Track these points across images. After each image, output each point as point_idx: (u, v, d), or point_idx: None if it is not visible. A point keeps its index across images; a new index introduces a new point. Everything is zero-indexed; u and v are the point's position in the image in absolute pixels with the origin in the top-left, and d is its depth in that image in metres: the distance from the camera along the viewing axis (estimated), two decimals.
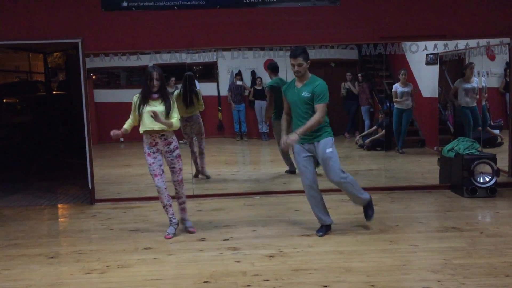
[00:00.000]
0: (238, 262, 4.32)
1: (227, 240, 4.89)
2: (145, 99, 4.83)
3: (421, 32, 6.57)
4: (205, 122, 7.78)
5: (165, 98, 4.85)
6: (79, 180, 7.53)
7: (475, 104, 7.51)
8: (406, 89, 7.92)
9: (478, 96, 7.49)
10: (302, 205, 6.12)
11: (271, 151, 9.13)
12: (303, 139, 4.79)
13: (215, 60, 7.58)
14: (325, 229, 4.97)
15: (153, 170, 4.88)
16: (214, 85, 8.40)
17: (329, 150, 4.76)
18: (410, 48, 6.89)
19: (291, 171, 7.34)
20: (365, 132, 8.49)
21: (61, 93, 14.51)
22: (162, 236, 5.06)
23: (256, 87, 8.56)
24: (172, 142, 4.89)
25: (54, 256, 4.62)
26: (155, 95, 4.84)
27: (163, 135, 4.84)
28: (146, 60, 6.85)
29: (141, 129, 4.85)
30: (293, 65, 4.76)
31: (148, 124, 4.78)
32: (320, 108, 4.70)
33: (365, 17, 6.56)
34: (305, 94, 4.73)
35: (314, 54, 7.87)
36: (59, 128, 12.36)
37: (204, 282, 3.92)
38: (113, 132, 4.88)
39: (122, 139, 8.41)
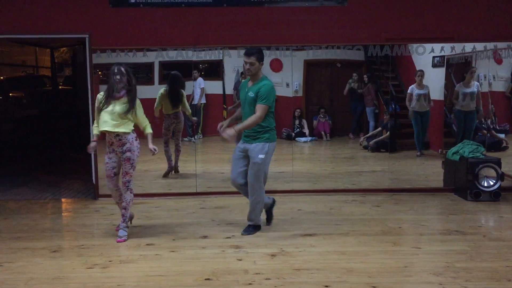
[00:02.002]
0: (240, 260, 4.33)
1: (230, 238, 4.90)
2: (109, 98, 4.72)
3: (428, 34, 6.56)
4: (210, 120, 7.79)
5: (130, 98, 4.72)
6: (83, 175, 7.56)
7: (471, 109, 7.43)
8: (422, 91, 7.68)
9: (474, 102, 7.42)
10: (305, 205, 6.13)
11: (275, 151, 9.12)
12: (243, 137, 4.89)
13: (221, 58, 7.56)
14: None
15: (106, 170, 4.85)
16: (219, 83, 8.39)
17: (261, 156, 4.80)
18: (417, 50, 6.87)
19: None
20: (370, 134, 8.47)
21: (67, 88, 14.57)
22: (165, 232, 5.07)
23: None
24: (125, 144, 4.75)
25: (57, 250, 4.64)
26: (119, 94, 4.72)
27: (117, 135, 4.74)
28: (153, 57, 6.87)
29: (101, 128, 4.74)
30: (246, 63, 4.76)
31: (103, 124, 4.69)
32: (260, 109, 4.72)
33: (372, 18, 6.55)
34: (251, 94, 4.77)
35: (320, 54, 7.88)
36: (64, 123, 12.41)
37: (205, 279, 3.93)
38: (90, 147, 4.83)
39: None
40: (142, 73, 8.92)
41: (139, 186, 7.00)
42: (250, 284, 3.84)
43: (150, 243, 4.79)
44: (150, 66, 8.59)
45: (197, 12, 6.46)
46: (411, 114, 7.71)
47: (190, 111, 7.27)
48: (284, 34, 6.51)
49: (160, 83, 8.63)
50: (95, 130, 4.91)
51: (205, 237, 4.94)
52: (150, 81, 8.78)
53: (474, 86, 7.38)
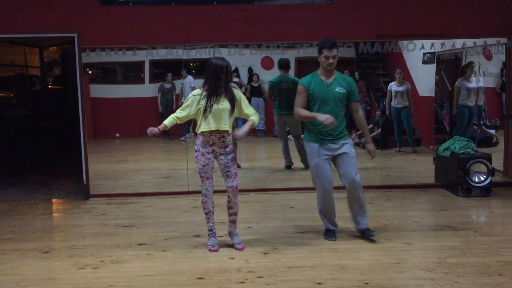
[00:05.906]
0: (233, 258, 4.31)
1: (222, 236, 4.87)
2: (215, 96, 4.34)
3: (419, 31, 6.57)
4: None
5: (229, 93, 4.43)
6: (73, 175, 7.50)
7: (473, 104, 7.51)
8: (400, 89, 7.96)
9: (476, 96, 7.50)
10: (297, 203, 6.13)
11: (267, 148, 9.13)
12: (325, 138, 4.54)
13: (211, 56, 7.54)
14: (334, 233, 4.82)
15: (206, 172, 4.45)
16: None
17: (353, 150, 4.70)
18: (407, 46, 6.89)
19: (289, 166, 7.51)
20: None
21: (56, 88, 14.47)
22: (157, 232, 5.04)
23: (253, 84, 8.54)
24: (229, 145, 4.45)
25: (47, 251, 4.60)
26: (221, 90, 4.39)
27: (223, 136, 4.40)
28: (143, 55, 6.82)
29: (204, 129, 4.35)
30: (328, 57, 4.45)
31: (213, 123, 4.33)
32: (358, 105, 4.67)
33: (362, 15, 6.55)
34: (339, 89, 4.51)
35: (311, 51, 7.87)
36: (54, 123, 12.32)
37: (198, 278, 3.92)
38: (151, 130, 4.33)
39: (117, 134, 8.41)
40: (133, 72, 8.88)
41: (130, 185, 6.98)
42: (242, 282, 3.83)
43: (142, 242, 4.76)
44: (140, 64, 8.55)
45: (187, 10, 6.42)
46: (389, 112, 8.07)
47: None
48: (275, 31, 6.49)
49: (151, 81, 8.59)
50: (168, 121, 4.43)
51: (197, 236, 4.92)
52: (141, 80, 8.74)
53: (473, 81, 7.45)
